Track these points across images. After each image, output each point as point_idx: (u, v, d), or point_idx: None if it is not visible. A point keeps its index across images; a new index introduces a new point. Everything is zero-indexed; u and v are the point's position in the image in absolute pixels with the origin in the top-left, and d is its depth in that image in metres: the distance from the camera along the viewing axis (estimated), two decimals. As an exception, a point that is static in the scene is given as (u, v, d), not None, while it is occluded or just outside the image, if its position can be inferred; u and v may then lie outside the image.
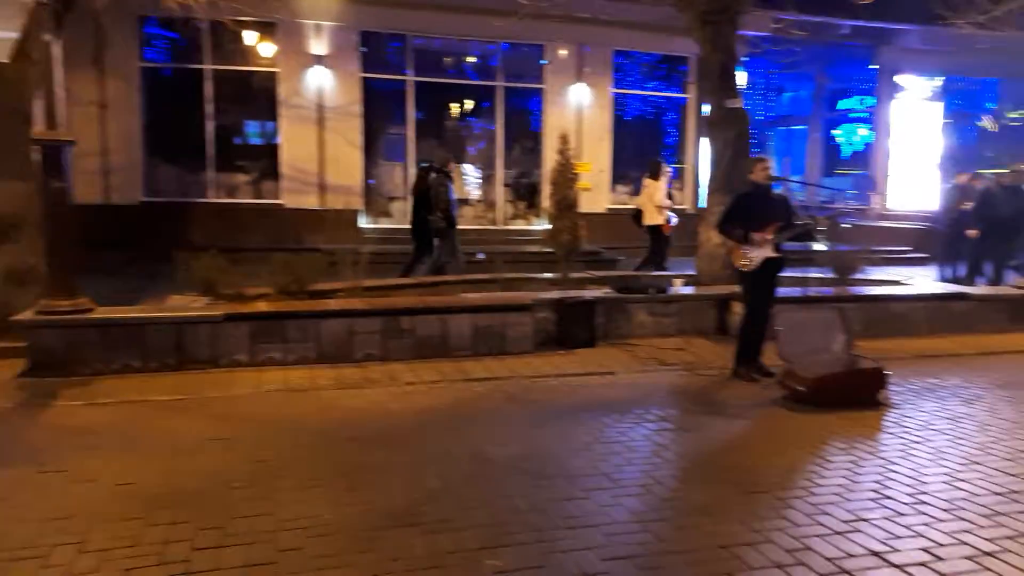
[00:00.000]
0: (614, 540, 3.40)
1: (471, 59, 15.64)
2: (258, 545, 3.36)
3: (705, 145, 16.48)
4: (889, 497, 3.89)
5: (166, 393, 5.79)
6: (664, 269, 11.27)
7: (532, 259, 12.40)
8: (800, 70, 19.86)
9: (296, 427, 5.07)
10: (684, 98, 16.57)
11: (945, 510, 3.74)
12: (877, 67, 18.53)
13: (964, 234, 11.75)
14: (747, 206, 6.64)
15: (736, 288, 8.68)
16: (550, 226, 9.25)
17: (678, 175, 17.01)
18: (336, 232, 9.03)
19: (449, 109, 15.87)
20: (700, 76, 16.06)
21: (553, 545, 3.35)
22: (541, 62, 15.28)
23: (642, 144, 17.02)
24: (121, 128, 13.38)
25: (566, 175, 9.06)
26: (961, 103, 19.45)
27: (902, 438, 4.93)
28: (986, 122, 19.01)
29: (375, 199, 14.82)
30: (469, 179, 15.79)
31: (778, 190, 6.78)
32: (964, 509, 3.75)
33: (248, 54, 13.96)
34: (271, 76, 14.01)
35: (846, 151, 21.78)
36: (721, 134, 8.92)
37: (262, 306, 7.14)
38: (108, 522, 3.57)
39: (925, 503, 3.82)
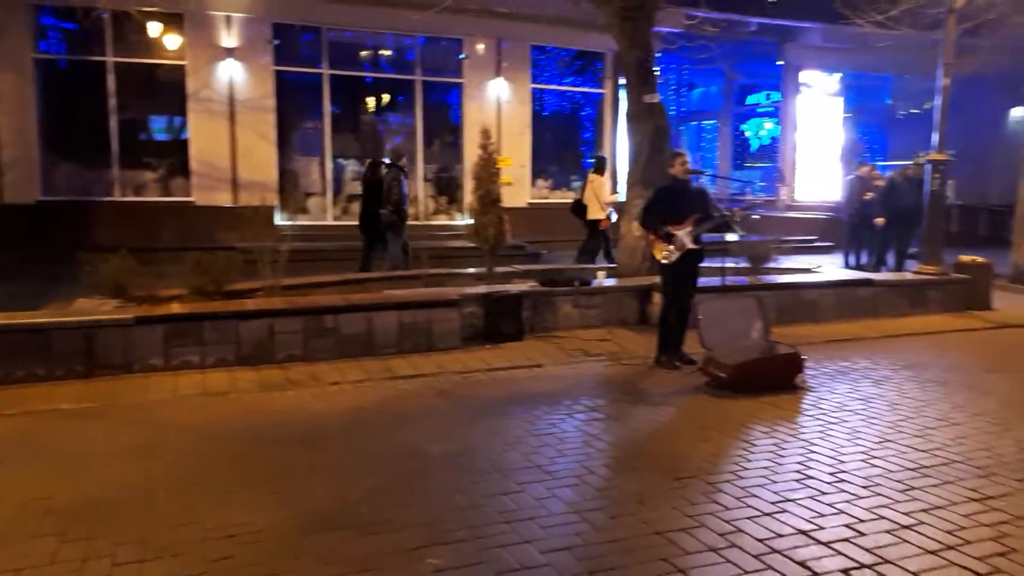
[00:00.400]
0: (551, 532, 3.41)
1: (388, 53, 15.44)
2: (184, 557, 3.22)
3: (623, 139, 16.82)
4: (812, 477, 4.04)
5: (76, 401, 5.50)
6: (593, 261, 11.50)
7: (456, 254, 12.36)
8: (710, 66, 20.43)
9: (217, 432, 4.89)
10: (601, 93, 16.79)
11: (864, 487, 3.90)
12: (783, 63, 19.22)
13: (867, 223, 12.36)
14: (667, 199, 6.77)
15: (656, 279, 8.88)
16: (474, 221, 9.21)
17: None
18: (251, 230, 8.73)
19: (366, 103, 15.64)
20: (618, 72, 16.34)
21: (491, 540, 3.33)
22: (460, 56, 15.21)
23: (561, 139, 17.19)
24: (14, 124, 12.62)
25: (489, 169, 9.05)
26: (860, 99, 20.39)
27: (820, 420, 5.13)
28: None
29: (292, 195, 14.45)
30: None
31: (696, 183, 6.93)
32: (881, 485, 3.92)
33: (154, 46, 13.37)
34: (179, 69, 13.47)
35: (754, 145, 22.56)
36: (639, 128, 9.08)
37: (176, 308, 6.85)
38: (20, 541, 3.35)
39: (845, 481, 3.98)
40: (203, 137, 13.57)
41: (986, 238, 19.31)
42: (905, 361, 7.04)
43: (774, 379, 6.00)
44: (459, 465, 4.21)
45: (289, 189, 14.45)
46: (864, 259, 12.95)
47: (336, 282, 9.08)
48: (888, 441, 4.65)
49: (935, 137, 10.21)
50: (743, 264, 10.03)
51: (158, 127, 14.27)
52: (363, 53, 15.25)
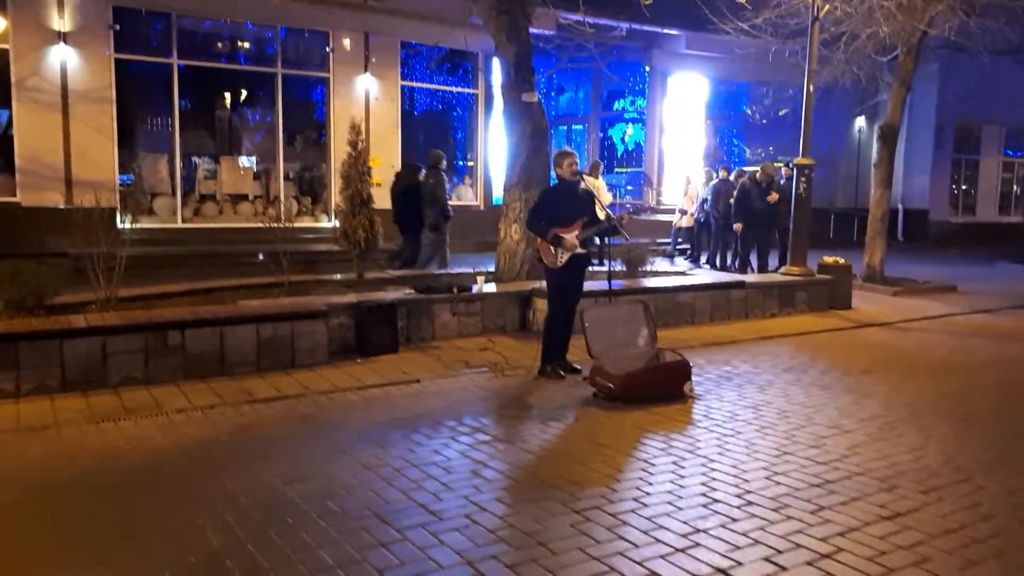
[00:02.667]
0: (440, 590, 2.91)
1: (246, 44, 14.37)
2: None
3: (497, 140, 16.51)
4: (718, 501, 3.74)
5: None
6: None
7: (322, 259, 11.58)
8: (579, 69, 20.48)
9: (29, 480, 4.05)
10: (473, 94, 16.40)
11: (774, 510, 3.63)
12: (650, 69, 19.53)
13: (730, 226, 12.63)
14: (554, 202, 6.42)
15: (537, 284, 8.55)
16: (342, 223, 8.54)
17: (468, 172, 16.88)
18: (87, 234, 7.69)
19: (222, 97, 14.49)
20: (489, 71, 16.00)
21: (368, 605, 2.79)
22: (326, 49, 14.35)
23: (432, 139, 16.63)
24: None
25: (359, 168, 8.41)
26: (722, 105, 21.06)
27: (714, 431, 4.89)
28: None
29: (135, 195, 13.12)
30: (244, 173, 14.51)
31: (582, 185, 6.61)
32: (791, 507, 3.67)
33: (-31, 28, 11.77)
34: (2, 55, 11.90)
35: (622, 149, 22.86)
36: (517, 129, 8.70)
37: (-15, 326, 5.82)
38: None
39: (754, 504, 3.70)
40: (30, 130, 12.05)
41: (834, 240, 20.46)
42: (784, 364, 7.02)
43: (663, 388, 5.75)
44: (328, 511, 3.61)
45: (133, 189, 13.13)
46: (729, 261, 13.23)
47: (183, 292, 8.15)
48: (786, 454, 4.45)
49: (801, 142, 10.47)
50: (619, 268, 9.88)
51: (-24, 119, 12.61)
52: (219, 44, 14.11)
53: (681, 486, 3.93)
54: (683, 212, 14.89)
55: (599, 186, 12.95)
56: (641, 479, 4.02)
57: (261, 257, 11.41)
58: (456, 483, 3.95)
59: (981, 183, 23.35)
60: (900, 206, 21.04)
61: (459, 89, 16.47)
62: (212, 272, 9.62)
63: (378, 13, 14.15)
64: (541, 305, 8.17)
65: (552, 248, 6.29)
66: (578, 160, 6.51)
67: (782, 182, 13.29)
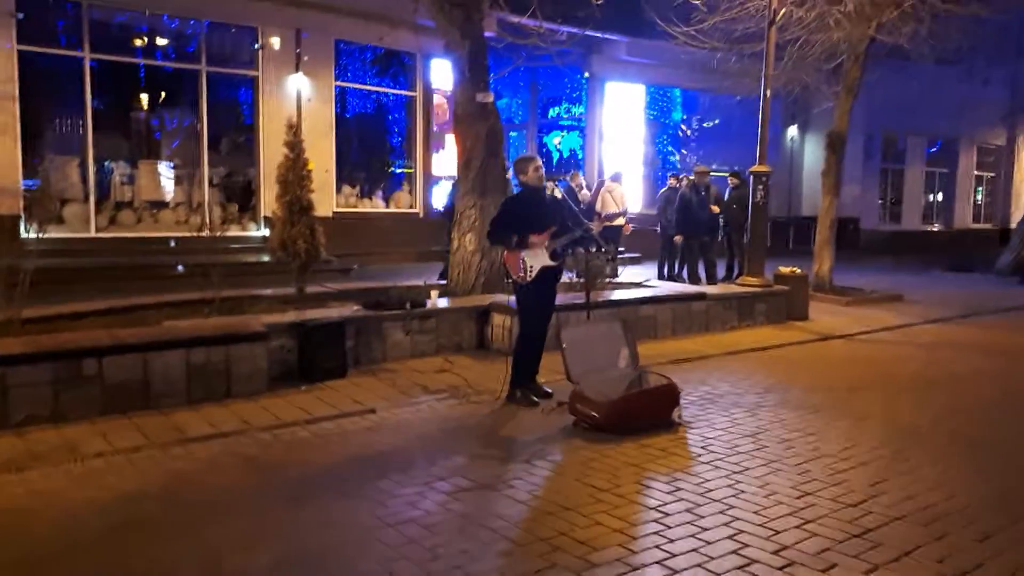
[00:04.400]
0: None
1: (166, 39, 13.30)
2: None
3: (439, 145, 15.86)
4: (755, 561, 3.22)
5: None
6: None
7: (252, 271, 10.72)
8: (517, 75, 20.03)
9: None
10: (411, 96, 15.69)
11: (823, 572, 3.13)
12: (589, 75, 19.22)
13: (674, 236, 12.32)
14: (519, 211, 5.86)
15: (495, 298, 7.96)
16: (278, 233, 7.75)
17: (406, 178, 16.16)
18: (-16, 245, 6.76)
19: (138, 97, 13.37)
20: (428, 71, 15.35)
21: None
22: (254, 46, 13.42)
23: (369, 143, 15.90)
24: None
25: (298, 173, 7.64)
26: (661, 112, 20.94)
27: (719, 468, 4.39)
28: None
29: (42, 202, 11.90)
30: (164, 178, 13.43)
31: (549, 193, 6.06)
32: (839, 566, 3.18)
33: None
34: None
35: (557, 157, 22.47)
36: (471, 131, 8.11)
37: None
38: None
39: (795, 562, 3.20)
40: (-83, 129, 10.79)
41: (772, 248, 20.55)
42: (763, 383, 6.62)
43: (651, 416, 5.24)
44: (294, 591, 2.93)
45: (39, 194, 11.91)
46: (677, 270, 12.93)
47: (99, 311, 7.22)
48: (808, 495, 3.98)
49: (757, 149, 10.21)
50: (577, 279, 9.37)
51: None
52: (135, 38, 13.00)
53: (706, 541, 3.39)
54: (600, 216, 13.68)
55: (622, 192, 13.18)
56: (659, 534, 3.46)
57: (182, 269, 10.48)
58: (444, 548, 3.32)
59: (906, 192, 23.95)
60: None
61: (397, 91, 15.75)
62: (131, 287, 8.66)
63: (311, 9, 13.34)
64: (500, 320, 7.59)
65: (521, 261, 5.72)
66: (542, 166, 5.96)
67: (728, 191, 13.13)
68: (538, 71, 19.83)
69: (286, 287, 8.50)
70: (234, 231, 13.31)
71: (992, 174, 26.32)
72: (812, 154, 22.81)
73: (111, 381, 5.33)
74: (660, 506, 3.81)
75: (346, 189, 15.00)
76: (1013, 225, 25.05)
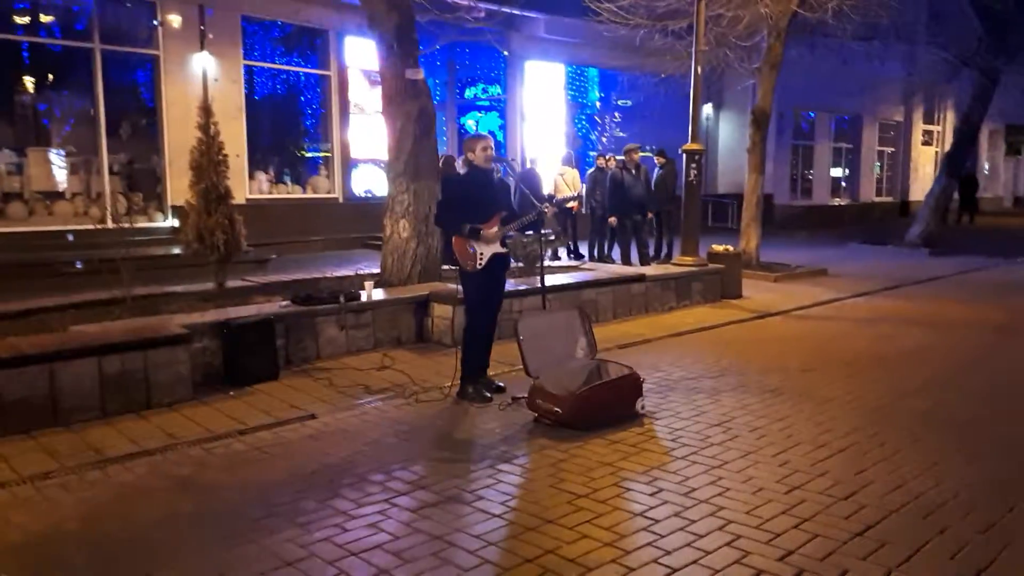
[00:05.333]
0: None
1: (51, 14, 12.16)
2: None
3: (356, 125, 15.19)
4: (764, 571, 2.97)
5: None
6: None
7: (160, 264, 9.92)
8: (433, 54, 19.44)
9: None
10: (326, 75, 14.93)
11: (836, 577, 2.92)
12: (508, 54, 18.82)
13: (607, 217, 12.15)
14: (466, 194, 5.46)
15: (436, 286, 7.55)
16: (195, 223, 7.10)
17: (323, 162, 15.44)
18: None
19: (22, 78, 12.20)
20: (343, 49, 14.64)
21: None
22: (153, 23, 12.42)
23: (282, 126, 15.11)
24: None
25: (213, 158, 7.00)
26: (580, 91, 20.76)
27: (697, 463, 4.16)
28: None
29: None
30: (57, 167, 12.34)
31: (496, 174, 5.70)
32: (852, 571, 2.96)
33: None
34: None
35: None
36: (403, 111, 7.62)
37: None
38: None
39: (806, 570, 2.97)
40: None
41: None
42: (715, 366, 6.47)
43: (616, 409, 4.97)
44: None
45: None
46: (609, 251, 12.79)
47: (-7, 317, 6.45)
48: (796, 488, 3.78)
49: (689, 127, 10.10)
50: (518, 265, 9.06)
51: None
52: (16, 14, 11.81)
53: (705, 551, 3.13)
54: (554, 200, 14.01)
55: (574, 176, 13.09)
56: (654, 546, 3.18)
57: (80, 265, 9.63)
58: (420, 578, 2.95)
59: (816, 168, 24.62)
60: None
61: (310, 70, 14.97)
62: (27, 288, 7.82)
63: (215, -18, 12.47)
64: (441, 311, 7.20)
65: (471, 248, 5.35)
66: (493, 144, 5.59)
67: (656, 171, 13.04)
68: (456, 50, 19.32)
69: (204, 282, 7.84)
70: (142, 222, 12.38)
71: (892, 149, 27.37)
72: (727, 132, 23.17)
73: (10, 397, 4.70)
74: (646, 511, 3.53)
75: (259, 175, 14.18)
76: (912, 198, 26.23)
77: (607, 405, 4.91)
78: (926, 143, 28.62)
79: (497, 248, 5.43)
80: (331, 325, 6.67)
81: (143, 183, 12.95)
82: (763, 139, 12.54)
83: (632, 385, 5.07)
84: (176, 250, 11.41)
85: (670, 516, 3.47)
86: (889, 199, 27.09)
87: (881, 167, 27.14)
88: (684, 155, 10.11)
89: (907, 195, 27.20)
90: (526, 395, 5.10)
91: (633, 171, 11.87)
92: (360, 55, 14.90)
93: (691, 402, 5.35)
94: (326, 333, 6.63)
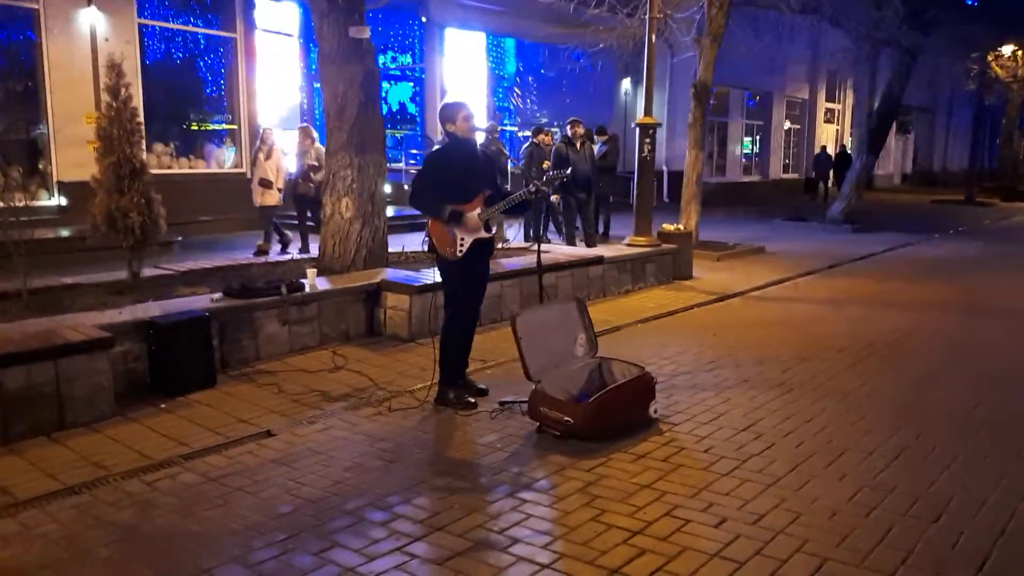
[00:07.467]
0: None
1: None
2: None
3: (264, 93, 13.95)
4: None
5: None
6: None
7: (49, 248, 8.65)
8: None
9: None
10: (231, 37, 13.58)
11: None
12: (426, 20, 17.84)
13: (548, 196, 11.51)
14: (447, 169, 4.70)
15: (385, 273, 6.75)
16: (104, 202, 6.01)
17: (228, 135, 14.12)
18: None
19: None
20: (251, 8, 13.34)
21: None
22: (29, -29, 10.84)
23: (183, 94, 13.64)
24: None
25: (125, 126, 5.92)
26: (499, 63, 19.99)
27: (748, 480, 3.61)
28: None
29: None
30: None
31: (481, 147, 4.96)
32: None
33: None
34: None
35: (386, 110, 20.93)
36: (345, 75, 6.72)
37: None
38: None
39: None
40: None
41: (616, 205, 20.48)
42: (705, 357, 6.01)
43: (629, 414, 4.38)
44: None
45: None
46: (548, 230, 12.20)
47: None
48: (874, 509, 3.29)
49: (643, 100, 9.58)
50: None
51: None
52: None
53: (819, 604, 2.58)
54: (266, 184, 10.00)
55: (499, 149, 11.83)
56: (757, 601, 2.60)
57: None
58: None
59: (729, 145, 24.82)
60: (664, 168, 21.47)
61: (213, 31, 13.57)
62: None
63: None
64: (396, 301, 6.42)
65: (451, 232, 4.61)
66: (473, 114, 4.84)
67: (598, 147, 12.51)
68: (367, 15, 18.17)
69: (111, 271, 6.74)
70: (26, 201, 10.84)
71: (797, 126, 27.98)
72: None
73: None
74: (722, 551, 2.95)
75: (158, 147, 12.77)
76: (815, 175, 26.89)
77: (622, 412, 4.31)
78: (828, 120, 29.42)
79: (481, 233, 4.71)
80: (271, 320, 5.79)
81: (23, 156, 11.37)
82: (704, 114, 12.22)
83: (645, 387, 4.49)
84: (65, 232, 10.06)
85: (753, 555, 2.90)
86: (795, 176, 27.71)
87: (788, 144, 27.72)
88: (638, 129, 9.59)
89: (810, 172, 27.91)
90: (520, 400, 4.46)
91: (578, 145, 11.26)
92: (269, 15, 13.66)
93: (701, 402, 4.83)
94: (266, 329, 5.75)
